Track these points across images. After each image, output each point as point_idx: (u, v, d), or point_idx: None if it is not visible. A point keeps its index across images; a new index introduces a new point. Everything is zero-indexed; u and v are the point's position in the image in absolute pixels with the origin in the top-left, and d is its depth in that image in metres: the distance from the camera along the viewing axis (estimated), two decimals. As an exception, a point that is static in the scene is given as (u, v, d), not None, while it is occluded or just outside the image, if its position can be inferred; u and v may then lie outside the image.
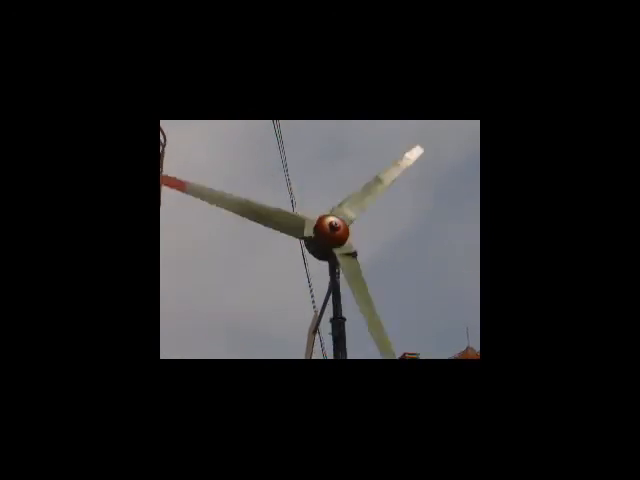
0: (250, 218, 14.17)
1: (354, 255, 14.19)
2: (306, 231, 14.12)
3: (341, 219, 14.31)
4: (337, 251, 14.08)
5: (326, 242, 14.08)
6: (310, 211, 14.87)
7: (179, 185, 13.87)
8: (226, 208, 14.15)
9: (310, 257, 14.72)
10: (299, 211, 15.81)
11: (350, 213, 14.58)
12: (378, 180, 15.35)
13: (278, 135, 16.15)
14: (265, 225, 14.19)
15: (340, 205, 14.65)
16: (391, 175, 15.56)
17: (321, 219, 14.24)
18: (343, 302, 14.24)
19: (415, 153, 15.98)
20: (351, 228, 14.45)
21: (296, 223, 14.31)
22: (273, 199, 14.53)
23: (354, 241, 14.52)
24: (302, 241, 14.54)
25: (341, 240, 14.14)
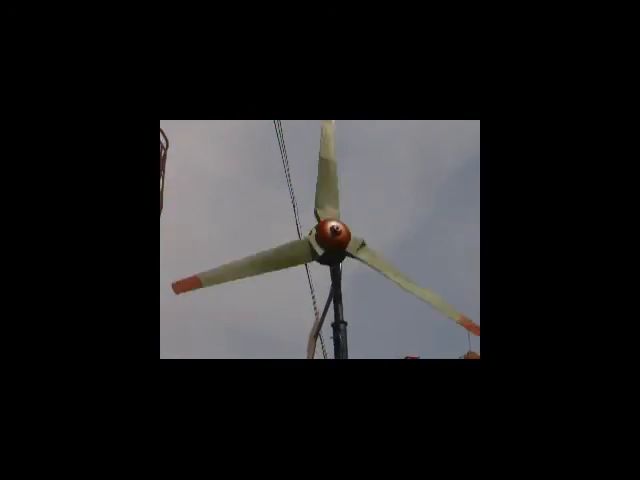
0: (267, 271, 13.96)
1: (364, 244, 14.14)
2: (319, 250, 13.96)
3: (334, 219, 14.20)
4: (351, 251, 13.99)
5: (338, 250, 13.98)
6: (310, 210, 14.74)
7: (194, 284, 13.14)
8: (244, 277, 13.86)
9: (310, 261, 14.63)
10: (300, 211, 15.72)
11: (332, 209, 14.44)
12: (325, 162, 15.00)
13: (279, 135, 16.08)
14: (282, 268, 14.01)
15: (319, 206, 14.44)
16: (330, 151, 15.14)
17: (321, 231, 14.06)
18: (344, 306, 14.16)
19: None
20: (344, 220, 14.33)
21: (304, 249, 14.14)
22: (273, 199, 14.46)
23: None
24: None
25: (347, 240, 14.06)
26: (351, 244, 13.95)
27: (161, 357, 8.38)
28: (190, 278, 13.05)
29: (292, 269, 14.19)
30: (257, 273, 13.69)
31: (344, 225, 14.03)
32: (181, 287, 12.86)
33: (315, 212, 14.30)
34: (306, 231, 14.55)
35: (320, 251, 13.75)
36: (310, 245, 13.87)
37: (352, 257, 13.95)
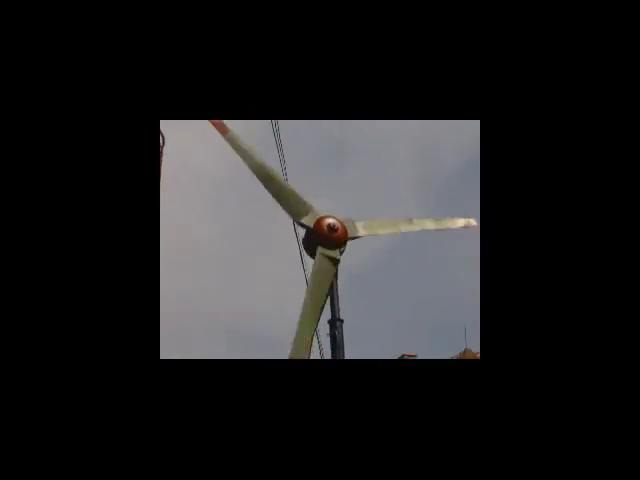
0: (263, 183, 14.22)
1: (335, 262, 13.91)
2: (306, 219, 14.05)
3: (344, 226, 14.18)
4: (321, 249, 13.86)
5: (317, 238, 13.98)
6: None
7: (223, 130, 14.37)
8: (248, 165, 14.36)
9: (309, 259, 14.67)
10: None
11: (361, 230, 14.42)
12: (409, 221, 15.10)
13: (276, 135, 16.14)
14: (273, 196, 14.19)
15: (355, 220, 14.48)
16: (424, 224, 15.24)
17: (324, 217, 14.18)
18: (341, 304, 14.15)
19: (464, 222, 15.56)
20: (352, 243, 14.26)
21: (302, 208, 14.22)
22: (273, 199, 14.47)
23: (357, 243, 14.42)
24: (299, 238, 14.52)
25: (332, 242, 13.96)
26: (328, 250, 13.85)
27: (161, 357, 8.38)
28: (225, 126, 14.46)
29: (292, 268, 14.26)
30: (257, 176, 14.30)
31: (344, 235, 14.00)
32: (217, 124, 14.34)
33: (348, 218, 14.35)
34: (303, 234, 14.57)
35: (303, 221, 13.87)
36: (309, 212, 13.98)
37: (313, 256, 13.93)
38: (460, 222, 15.54)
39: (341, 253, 13.99)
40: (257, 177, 14.23)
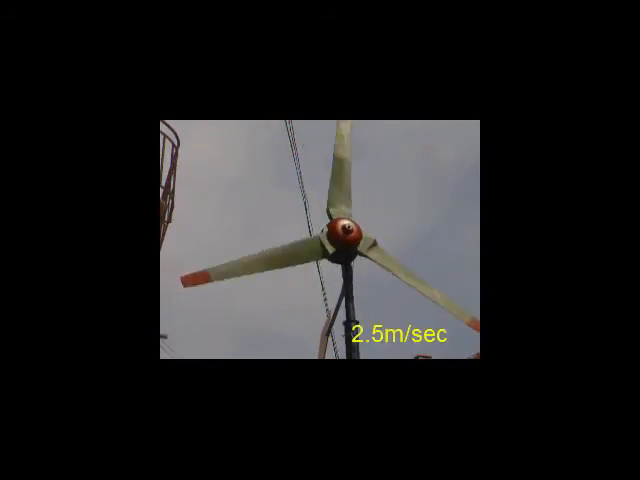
0: (277, 267, 13.96)
1: (375, 243, 14.19)
2: (329, 248, 14.03)
3: (346, 218, 14.26)
4: (361, 250, 14.05)
5: (348, 251, 14.05)
6: (324, 212, 14.71)
7: (202, 279, 13.28)
8: (254, 272, 13.77)
9: (322, 263, 14.72)
10: (313, 211, 15.76)
11: (345, 208, 14.51)
12: (339, 161, 14.85)
13: (290, 136, 16.07)
14: (292, 265, 14.06)
15: (331, 205, 14.50)
16: (345, 149, 15.03)
17: (332, 229, 14.14)
18: (356, 304, 14.20)
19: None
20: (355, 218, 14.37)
21: (314, 246, 14.20)
22: (287, 199, 14.45)
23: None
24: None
25: (358, 238, 14.13)
26: (362, 243, 14.03)
27: (172, 357, 8.37)
28: (199, 273, 13.14)
29: (304, 268, 14.29)
30: (267, 269, 13.77)
31: (356, 224, 14.12)
32: (189, 281, 12.97)
33: (327, 211, 14.37)
34: (318, 231, 14.53)
35: (331, 249, 13.87)
36: (321, 243, 13.97)
37: (363, 256, 14.04)
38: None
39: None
40: (267, 269, 13.77)
